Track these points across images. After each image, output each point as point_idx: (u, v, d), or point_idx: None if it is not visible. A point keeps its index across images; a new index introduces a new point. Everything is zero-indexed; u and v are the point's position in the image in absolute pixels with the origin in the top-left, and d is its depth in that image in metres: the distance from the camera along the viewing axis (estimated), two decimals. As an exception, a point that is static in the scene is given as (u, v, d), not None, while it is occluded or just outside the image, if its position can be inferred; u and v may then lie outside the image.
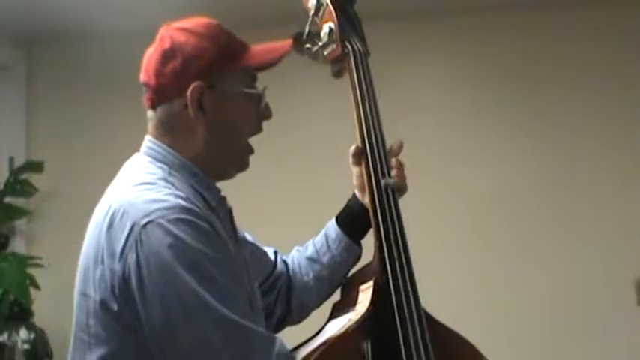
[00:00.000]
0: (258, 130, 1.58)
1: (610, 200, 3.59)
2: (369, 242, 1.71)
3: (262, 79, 1.60)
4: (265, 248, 1.82)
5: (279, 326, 1.80)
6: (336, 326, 1.60)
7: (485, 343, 1.65)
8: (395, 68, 3.60)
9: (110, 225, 1.39)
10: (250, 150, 1.58)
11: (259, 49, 1.57)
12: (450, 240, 3.63)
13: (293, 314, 1.81)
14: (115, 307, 1.37)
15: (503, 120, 3.71)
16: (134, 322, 1.36)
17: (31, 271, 3.51)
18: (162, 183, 1.45)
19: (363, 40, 1.82)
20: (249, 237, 1.77)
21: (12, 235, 3.88)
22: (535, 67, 3.69)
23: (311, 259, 1.80)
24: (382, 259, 1.62)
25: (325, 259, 1.78)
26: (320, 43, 1.81)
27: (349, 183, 1.80)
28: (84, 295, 1.42)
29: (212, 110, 1.50)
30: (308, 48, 1.81)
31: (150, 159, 1.52)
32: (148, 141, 1.55)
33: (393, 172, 1.71)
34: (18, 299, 3.50)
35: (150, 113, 1.54)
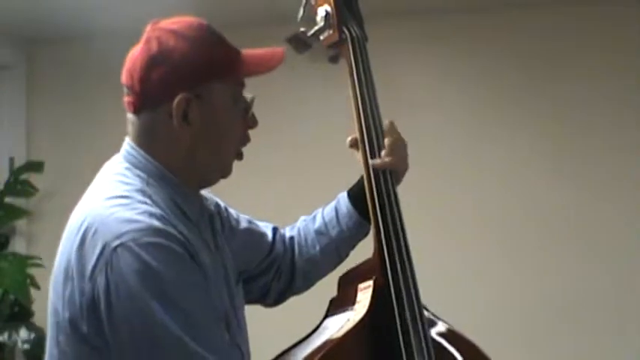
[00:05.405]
0: (244, 139, 1.53)
1: (619, 201, 3.57)
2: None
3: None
4: (264, 227, 1.79)
5: (281, 298, 1.79)
6: (335, 326, 1.59)
7: (491, 345, 1.64)
8: (394, 68, 3.60)
9: (82, 242, 1.37)
10: (237, 156, 1.53)
11: (251, 57, 1.50)
12: (451, 240, 3.61)
13: (297, 286, 1.79)
14: (85, 328, 1.35)
15: (505, 120, 3.70)
16: (101, 345, 1.34)
17: (31, 271, 3.50)
18: (139, 196, 1.40)
19: (360, 23, 1.76)
20: (244, 222, 1.74)
21: (12, 235, 3.88)
22: (537, 66, 3.67)
23: (319, 233, 1.77)
24: (382, 257, 1.60)
25: (334, 233, 1.76)
26: (315, 27, 1.74)
27: (341, 177, 1.80)
28: (55, 309, 1.40)
29: (197, 121, 1.44)
30: (303, 32, 1.75)
31: (128, 165, 1.47)
32: (128, 145, 1.49)
33: (384, 152, 1.68)
34: (18, 299, 3.49)
35: (131, 117, 1.48)
